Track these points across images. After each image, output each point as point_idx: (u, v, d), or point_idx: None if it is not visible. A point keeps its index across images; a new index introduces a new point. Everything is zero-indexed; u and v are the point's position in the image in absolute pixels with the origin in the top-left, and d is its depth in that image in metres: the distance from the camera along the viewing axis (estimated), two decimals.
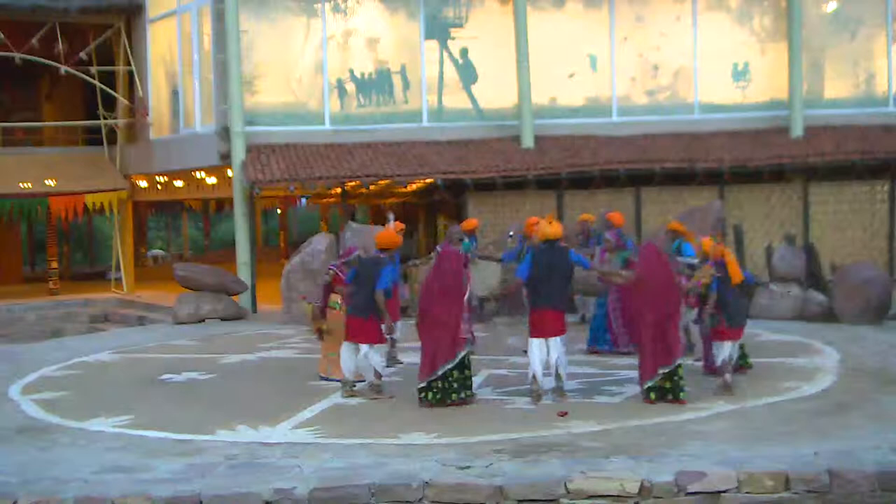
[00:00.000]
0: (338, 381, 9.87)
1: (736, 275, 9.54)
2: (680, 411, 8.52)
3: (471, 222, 13.80)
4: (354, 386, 9.71)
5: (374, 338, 9.57)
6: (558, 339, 9.24)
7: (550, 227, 9.47)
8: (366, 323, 9.49)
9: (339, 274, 10.04)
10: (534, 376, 9.27)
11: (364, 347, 9.54)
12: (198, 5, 19.22)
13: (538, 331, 9.27)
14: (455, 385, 9.08)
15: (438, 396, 9.04)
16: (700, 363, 10.41)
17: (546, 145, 18.43)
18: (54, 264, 22.97)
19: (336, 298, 10.11)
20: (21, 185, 20.35)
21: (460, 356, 9.07)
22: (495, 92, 19.11)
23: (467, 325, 9.16)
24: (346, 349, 9.66)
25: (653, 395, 8.97)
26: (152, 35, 20.68)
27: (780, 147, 18.32)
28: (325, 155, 18.11)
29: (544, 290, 9.26)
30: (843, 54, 19.93)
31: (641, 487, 6.46)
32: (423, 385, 9.10)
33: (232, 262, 18.62)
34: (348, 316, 9.68)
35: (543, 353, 9.22)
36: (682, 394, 8.93)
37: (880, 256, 18.08)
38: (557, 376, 9.31)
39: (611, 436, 7.73)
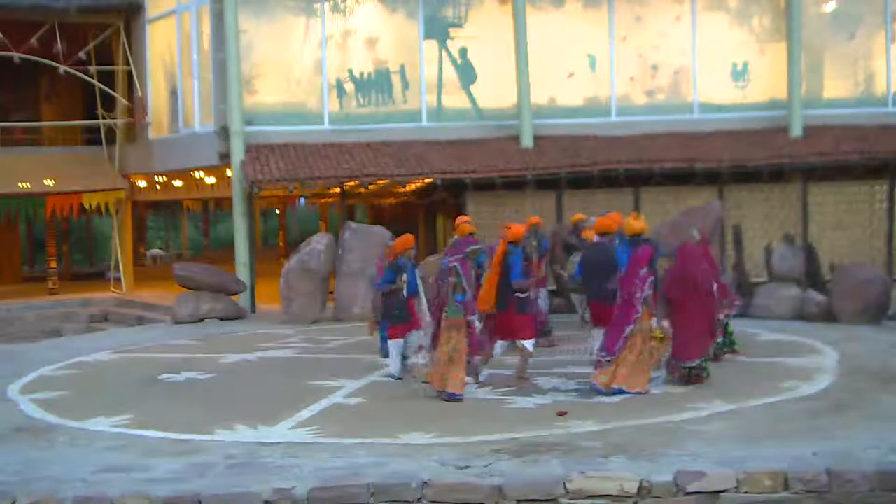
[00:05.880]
0: None
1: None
2: (679, 411, 8.52)
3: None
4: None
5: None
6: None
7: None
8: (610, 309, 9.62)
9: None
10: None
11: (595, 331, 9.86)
12: (197, 5, 19.21)
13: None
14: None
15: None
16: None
17: (545, 145, 18.43)
18: (53, 264, 23.00)
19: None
20: (20, 184, 20.35)
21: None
22: (494, 92, 19.12)
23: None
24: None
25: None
26: (151, 35, 20.68)
27: (780, 147, 18.31)
28: (325, 154, 18.11)
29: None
30: (842, 54, 19.94)
31: (640, 487, 6.46)
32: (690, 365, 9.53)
33: (231, 261, 18.61)
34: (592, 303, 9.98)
35: None
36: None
37: (879, 256, 18.07)
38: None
39: (610, 435, 7.72)
